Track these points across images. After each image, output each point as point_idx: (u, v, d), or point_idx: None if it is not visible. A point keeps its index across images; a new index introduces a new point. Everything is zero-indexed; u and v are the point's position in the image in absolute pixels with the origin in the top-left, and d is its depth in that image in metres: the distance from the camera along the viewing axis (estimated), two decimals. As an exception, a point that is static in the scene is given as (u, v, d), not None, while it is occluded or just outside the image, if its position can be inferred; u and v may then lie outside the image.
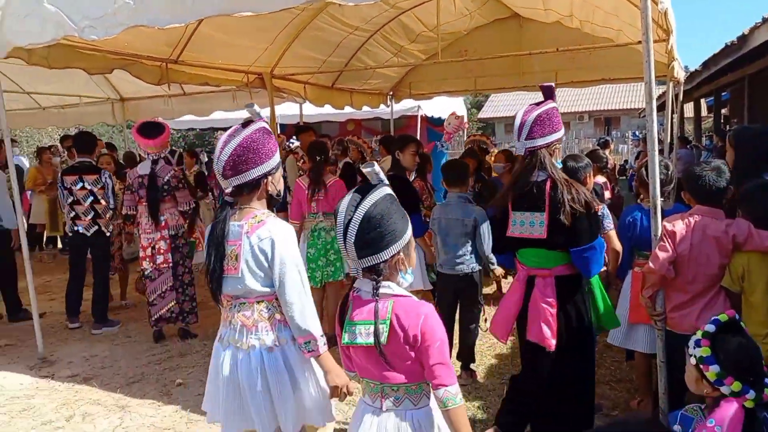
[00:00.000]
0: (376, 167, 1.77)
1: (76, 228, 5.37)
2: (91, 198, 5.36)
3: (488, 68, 8.03)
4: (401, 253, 1.75)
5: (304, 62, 7.11)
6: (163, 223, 4.95)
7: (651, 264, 2.71)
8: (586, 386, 2.95)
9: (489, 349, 4.56)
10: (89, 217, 5.37)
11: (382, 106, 9.23)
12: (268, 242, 2.11)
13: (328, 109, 8.51)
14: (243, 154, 2.07)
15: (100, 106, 9.02)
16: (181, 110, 8.55)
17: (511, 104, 35.46)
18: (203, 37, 5.80)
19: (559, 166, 3.25)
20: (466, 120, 13.30)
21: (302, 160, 6.96)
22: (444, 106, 10.98)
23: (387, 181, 1.78)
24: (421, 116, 11.02)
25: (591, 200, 2.81)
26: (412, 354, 1.72)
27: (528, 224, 2.84)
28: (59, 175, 5.56)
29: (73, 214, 5.36)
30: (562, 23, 6.00)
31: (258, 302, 2.18)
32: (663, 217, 2.79)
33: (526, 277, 2.91)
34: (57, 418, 3.61)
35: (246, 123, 2.14)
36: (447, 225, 3.86)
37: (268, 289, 2.17)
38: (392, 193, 1.77)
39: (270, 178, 2.18)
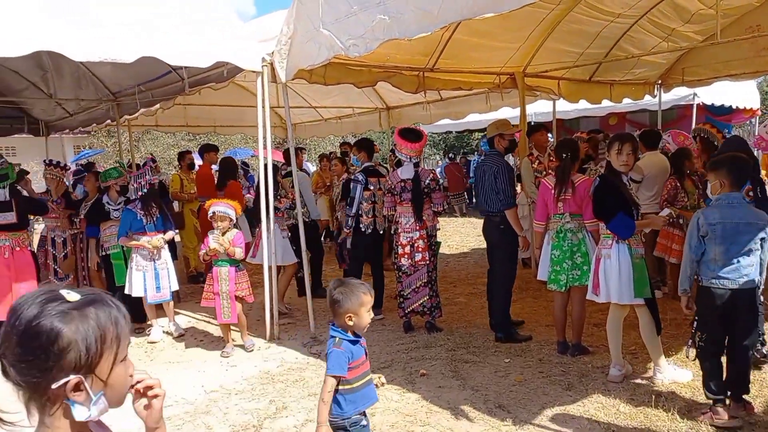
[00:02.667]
0: None
1: (375, 227, 5.80)
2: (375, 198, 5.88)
3: (788, 44, 6.72)
4: None
5: (558, 57, 6.85)
6: (422, 223, 5.26)
7: None
8: None
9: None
10: (382, 215, 5.85)
11: (647, 96, 8.38)
12: None
13: (585, 104, 8.06)
14: None
15: (370, 116, 10.06)
16: (437, 115, 9.00)
17: (828, 84, 28.79)
18: (457, 44, 6.02)
19: None
20: (757, 107, 11.26)
21: (537, 161, 6.72)
22: (727, 93, 9.48)
23: None
24: (698, 105, 9.72)
25: None
26: None
27: None
28: (361, 175, 5.85)
29: (372, 213, 5.79)
30: None
31: None
32: None
33: None
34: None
35: None
36: (734, 229, 3.32)
37: None
38: None
39: None
